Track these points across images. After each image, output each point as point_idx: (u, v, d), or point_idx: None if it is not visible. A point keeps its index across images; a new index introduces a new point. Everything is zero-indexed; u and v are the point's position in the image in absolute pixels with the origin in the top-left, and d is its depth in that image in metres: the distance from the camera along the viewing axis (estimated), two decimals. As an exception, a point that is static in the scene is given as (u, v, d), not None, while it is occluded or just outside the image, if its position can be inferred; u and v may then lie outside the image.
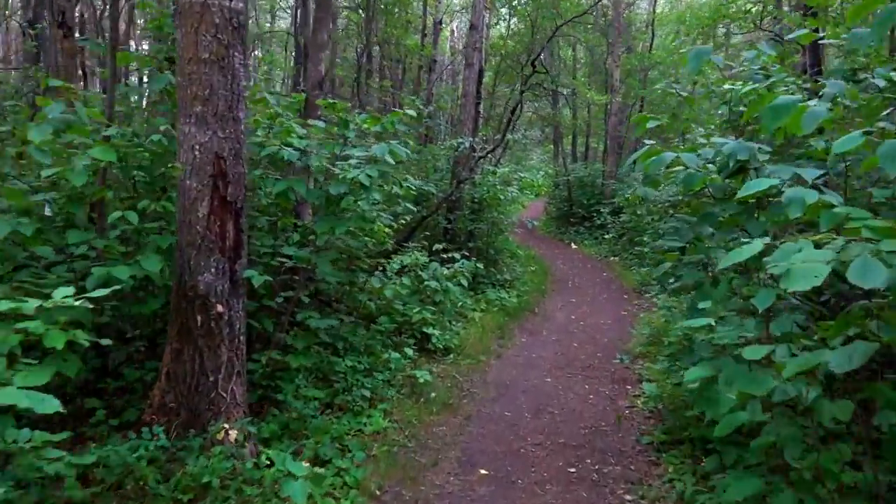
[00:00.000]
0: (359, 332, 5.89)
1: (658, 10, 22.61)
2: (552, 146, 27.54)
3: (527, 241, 18.90)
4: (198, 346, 3.84)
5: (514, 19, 17.72)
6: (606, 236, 17.07)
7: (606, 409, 6.02)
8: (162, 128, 4.18)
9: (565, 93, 20.85)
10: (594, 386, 6.72)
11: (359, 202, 4.45)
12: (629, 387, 6.69)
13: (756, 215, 2.98)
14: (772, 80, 4.21)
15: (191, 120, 3.79)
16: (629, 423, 5.66)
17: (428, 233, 10.23)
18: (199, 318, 3.83)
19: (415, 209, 6.13)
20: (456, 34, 26.05)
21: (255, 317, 4.66)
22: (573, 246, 18.33)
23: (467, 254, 9.61)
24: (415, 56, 14.59)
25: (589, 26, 22.14)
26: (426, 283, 7.02)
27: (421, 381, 5.77)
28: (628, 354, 7.38)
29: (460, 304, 8.52)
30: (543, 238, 20.38)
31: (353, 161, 4.26)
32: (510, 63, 16.21)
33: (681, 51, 20.13)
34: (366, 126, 5.04)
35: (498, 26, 16.70)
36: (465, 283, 7.69)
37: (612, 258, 15.87)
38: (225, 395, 3.88)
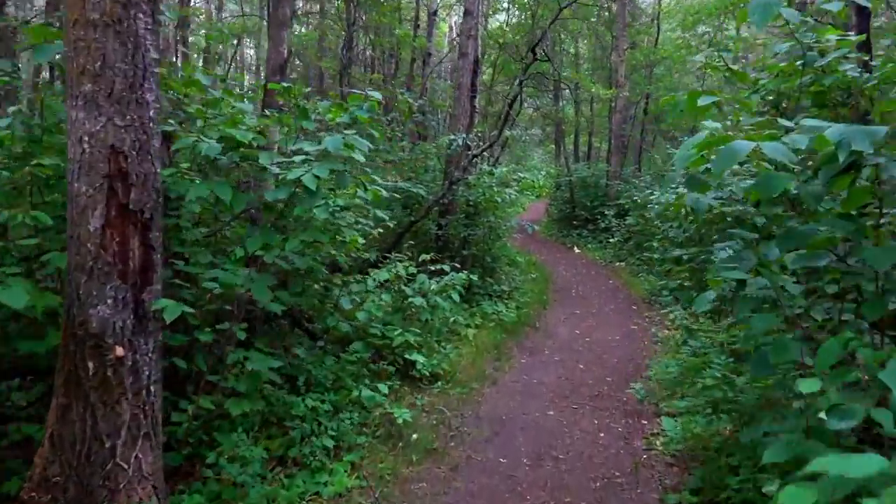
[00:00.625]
0: (327, 362, 4.95)
1: (664, 4, 21.67)
2: (554, 146, 26.60)
3: (527, 245, 17.96)
4: (89, 402, 2.90)
5: (515, 10, 16.78)
6: (611, 240, 16.13)
7: (620, 454, 5.08)
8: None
9: (568, 87, 19.89)
10: (604, 420, 5.77)
11: (315, 209, 3.54)
12: (645, 422, 5.74)
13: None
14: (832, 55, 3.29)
15: (78, 102, 2.86)
16: (648, 473, 4.71)
17: (416, 241, 9.29)
18: (90, 364, 2.90)
19: (386, 217, 5.19)
20: (454, 30, 25.11)
21: (187, 354, 3.73)
22: (576, 250, 17.39)
23: (458, 264, 8.68)
24: (408, 48, 13.65)
25: (592, 21, 21.22)
26: (410, 299, 6.09)
27: (399, 421, 4.83)
28: (642, 384, 6.43)
29: (452, 320, 7.59)
30: (545, 241, 19.43)
31: (298, 158, 3.32)
32: (510, 55, 15.26)
33: (687, 46, 19.24)
34: (329, 116, 4.10)
35: (496, 17, 15.74)
36: (456, 297, 6.75)
37: (617, 263, 14.92)
38: (126, 465, 2.94)
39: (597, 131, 25.79)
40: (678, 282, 7.43)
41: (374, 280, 5.58)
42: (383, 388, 4.87)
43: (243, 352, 3.54)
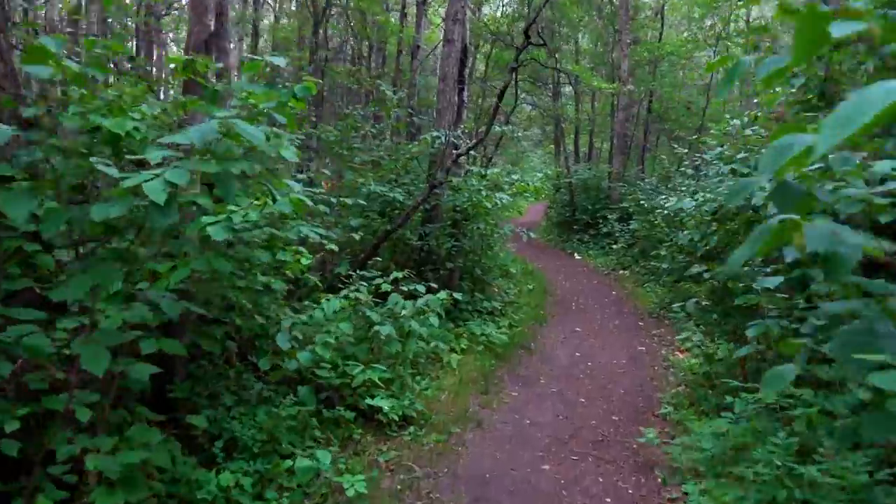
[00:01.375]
0: (259, 416, 3.89)
1: (668, -3, 20.64)
2: (553, 146, 25.54)
3: (524, 251, 16.90)
4: None
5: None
6: (614, 246, 15.07)
7: (632, 531, 4.03)
8: None
9: (568, 78, 18.81)
10: (611, 478, 4.71)
11: (210, 229, 2.50)
12: (659, 477, 4.69)
13: None
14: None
15: None
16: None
17: (396, 252, 8.24)
18: None
19: (321, 234, 4.13)
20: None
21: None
22: (577, 256, 16.34)
23: (445, 279, 7.64)
24: (394, 39, 12.61)
25: (593, 14, 20.19)
26: (376, 328, 5.03)
27: (351, 492, 3.78)
28: (655, 430, 5.36)
29: (433, 345, 6.54)
30: (544, 247, 18.39)
31: (157, 155, 2.25)
32: (504, 44, 14.18)
33: (694, 40, 18.20)
34: (252, 101, 3.05)
35: (489, 3, 14.68)
36: (434, 322, 5.70)
37: (621, 271, 13.87)
38: None
39: (598, 131, 24.75)
40: (695, 300, 6.37)
41: (324, 310, 4.52)
42: (324, 456, 3.80)
43: (87, 438, 2.48)
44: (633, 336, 8.90)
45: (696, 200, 5.47)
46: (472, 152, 8.58)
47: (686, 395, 6.14)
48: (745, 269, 5.17)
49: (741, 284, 4.87)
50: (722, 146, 9.04)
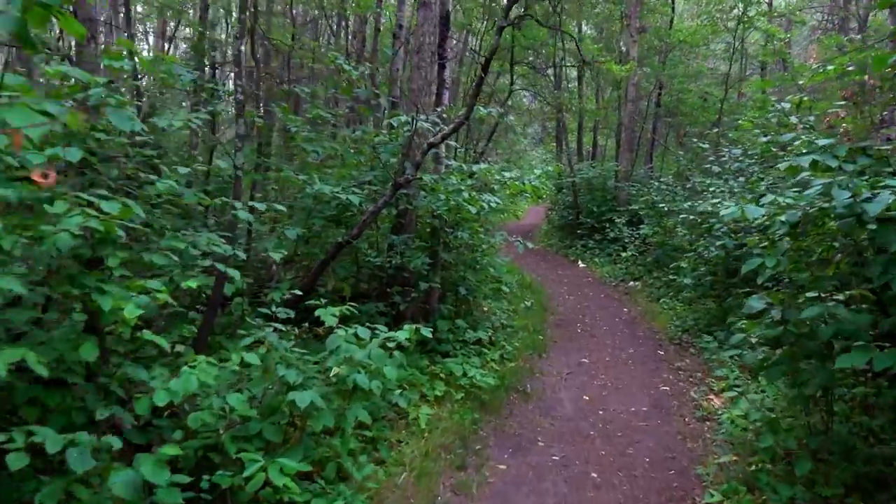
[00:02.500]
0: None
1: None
2: (555, 144, 23.86)
3: (521, 259, 15.19)
4: None
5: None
6: (623, 253, 13.39)
7: None
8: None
9: (574, 63, 17.11)
10: None
11: None
12: None
13: None
14: None
15: None
16: None
17: (357, 270, 6.58)
18: None
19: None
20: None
21: None
22: (581, 264, 14.67)
23: (421, 303, 6.02)
24: (369, 13, 10.93)
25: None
26: (291, 395, 3.36)
27: None
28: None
29: (399, 393, 4.87)
30: (544, 254, 16.71)
31: None
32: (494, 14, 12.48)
33: (712, 24, 16.51)
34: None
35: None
36: (391, 374, 4.02)
37: (631, 283, 12.20)
38: None
39: (602, 127, 23.08)
40: (755, 348, 4.67)
41: (196, 375, 2.84)
42: None
43: None
44: (652, 370, 7.22)
45: (767, 206, 3.77)
46: (456, 145, 6.88)
47: (737, 471, 4.46)
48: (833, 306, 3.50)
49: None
50: (765, 135, 7.38)
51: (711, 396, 6.32)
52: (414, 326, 4.35)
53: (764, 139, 6.51)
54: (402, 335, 4.20)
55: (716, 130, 11.77)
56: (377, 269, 6.37)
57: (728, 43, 16.38)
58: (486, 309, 8.06)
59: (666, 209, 11.10)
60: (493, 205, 6.05)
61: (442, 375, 5.98)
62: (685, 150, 13.64)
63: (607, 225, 14.93)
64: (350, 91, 6.60)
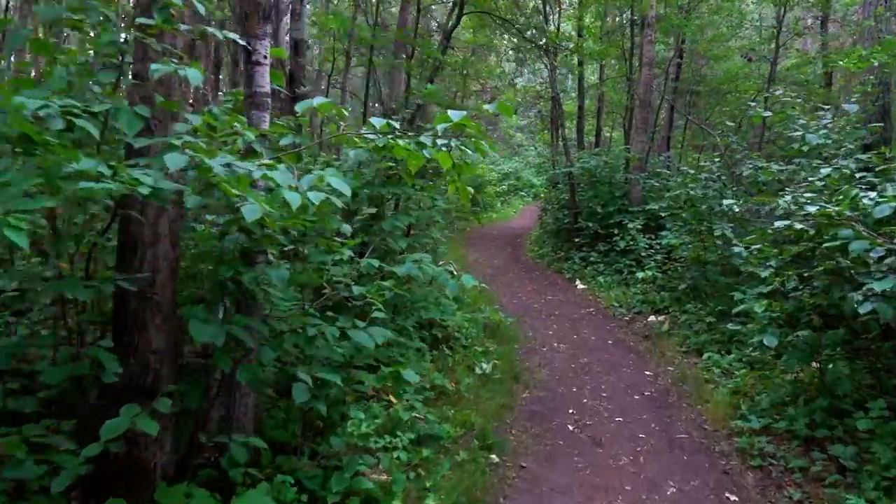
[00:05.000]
0: None
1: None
2: (549, 131, 19.83)
3: (499, 278, 11.25)
4: None
5: None
6: (640, 273, 9.38)
7: None
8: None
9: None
10: None
11: None
12: None
13: None
14: None
15: None
16: None
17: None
18: None
19: None
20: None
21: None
22: (579, 285, 10.68)
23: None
24: None
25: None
26: None
27: None
28: None
29: None
30: (532, 267, 12.74)
31: None
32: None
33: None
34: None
35: None
36: None
37: (651, 317, 8.24)
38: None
39: (608, 111, 19.03)
40: None
41: None
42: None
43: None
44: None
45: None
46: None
47: None
48: None
49: None
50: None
51: None
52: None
53: None
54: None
55: (777, 92, 7.77)
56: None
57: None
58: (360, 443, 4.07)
59: (714, 208, 7.11)
60: (318, 199, 2.12)
61: None
62: (721, 131, 9.60)
63: (615, 231, 10.95)
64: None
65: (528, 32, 13.03)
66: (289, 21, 7.59)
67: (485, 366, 5.83)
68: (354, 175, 4.79)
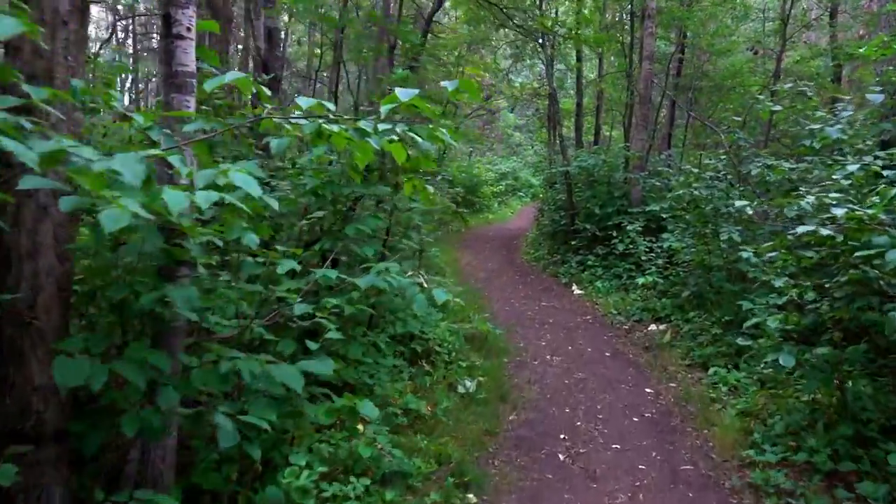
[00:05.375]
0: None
1: None
2: (546, 130, 19.27)
3: (492, 282, 10.71)
4: None
5: None
6: (640, 279, 8.83)
7: None
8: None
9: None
10: None
11: None
12: None
13: None
14: None
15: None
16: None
17: None
18: None
19: None
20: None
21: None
22: (575, 290, 10.13)
23: None
24: None
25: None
26: None
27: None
28: None
29: None
30: (527, 270, 12.19)
31: None
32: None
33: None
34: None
35: None
36: None
37: (652, 326, 7.69)
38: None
39: (608, 108, 18.46)
40: None
41: None
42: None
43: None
44: None
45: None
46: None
47: None
48: None
49: None
50: None
51: None
52: None
53: None
54: None
55: (787, 86, 7.20)
56: None
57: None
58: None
59: (720, 210, 6.56)
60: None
61: None
62: (728, 127, 9.04)
63: (614, 233, 10.40)
64: None
65: (522, 20, 12.43)
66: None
67: (468, 384, 5.28)
68: (316, 174, 4.25)
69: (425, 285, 3.44)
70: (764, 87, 10.06)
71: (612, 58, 17.08)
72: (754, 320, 4.60)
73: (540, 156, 23.27)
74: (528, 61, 21.20)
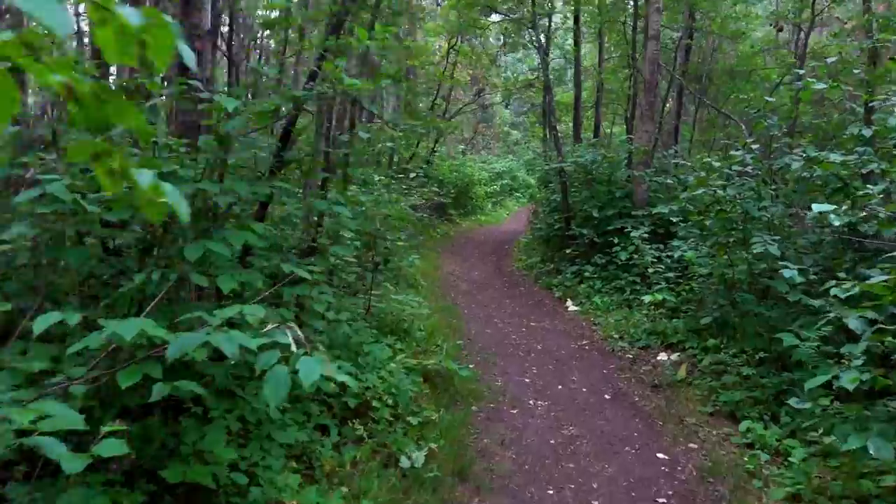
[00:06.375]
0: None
1: None
2: (540, 125, 17.78)
3: (476, 296, 9.27)
4: None
5: None
6: (647, 297, 7.36)
7: None
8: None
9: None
10: None
11: None
12: None
13: None
14: None
15: None
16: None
17: None
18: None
19: None
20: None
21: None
22: (570, 307, 8.69)
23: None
24: None
25: None
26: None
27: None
28: None
29: None
30: (516, 281, 10.74)
31: None
32: None
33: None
34: None
35: None
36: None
37: (662, 355, 6.25)
38: None
39: (608, 101, 16.96)
40: None
41: None
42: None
43: None
44: None
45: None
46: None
47: None
48: None
49: None
50: None
51: None
52: None
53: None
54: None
55: (831, 60, 5.78)
56: None
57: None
58: None
59: (749, 213, 5.10)
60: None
61: None
62: (758, 110, 7.60)
63: (615, 240, 8.93)
64: None
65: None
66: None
67: (415, 455, 3.83)
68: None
69: (294, 349, 2.02)
70: (791, 68, 8.59)
71: (613, 49, 15.65)
72: (820, 378, 3.15)
73: (536, 153, 21.84)
74: (522, 52, 19.78)
